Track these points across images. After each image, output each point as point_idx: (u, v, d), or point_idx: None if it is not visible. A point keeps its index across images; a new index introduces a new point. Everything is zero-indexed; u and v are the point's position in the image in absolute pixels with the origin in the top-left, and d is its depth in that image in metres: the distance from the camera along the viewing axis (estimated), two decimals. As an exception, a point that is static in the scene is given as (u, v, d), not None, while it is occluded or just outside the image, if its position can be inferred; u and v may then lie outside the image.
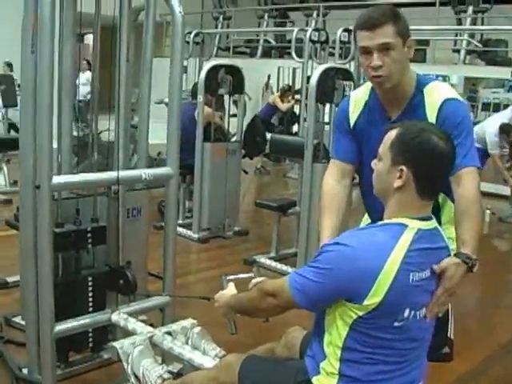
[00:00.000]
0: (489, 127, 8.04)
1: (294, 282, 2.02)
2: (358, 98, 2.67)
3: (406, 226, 1.99)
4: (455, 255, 2.14)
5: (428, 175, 2.01)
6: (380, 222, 2.07)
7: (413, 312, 1.99)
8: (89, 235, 3.23)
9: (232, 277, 2.58)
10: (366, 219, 2.81)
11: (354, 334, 1.97)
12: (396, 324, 1.96)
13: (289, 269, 5.61)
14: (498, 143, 7.89)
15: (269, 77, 13.82)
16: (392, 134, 2.06)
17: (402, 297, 1.94)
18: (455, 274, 2.08)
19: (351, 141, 2.69)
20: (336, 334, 2.01)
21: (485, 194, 8.18)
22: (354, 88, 5.40)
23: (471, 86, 14.28)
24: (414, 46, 2.45)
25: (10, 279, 4.71)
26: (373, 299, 1.91)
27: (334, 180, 2.70)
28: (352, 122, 2.66)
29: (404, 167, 1.99)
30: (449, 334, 2.66)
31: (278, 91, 12.06)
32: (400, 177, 2.01)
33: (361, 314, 1.93)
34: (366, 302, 1.91)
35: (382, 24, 2.33)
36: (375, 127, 2.52)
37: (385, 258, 1.91)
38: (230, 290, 2.45)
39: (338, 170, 2.72)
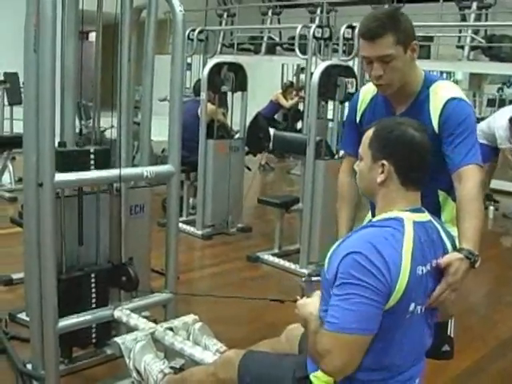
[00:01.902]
0: (497, 122, 7.92)
1: (337, 326, 1.88)
2: (366, 92, 2.71)
3: (401, 219, 2.00)
4: (457, 251, 2.15)
5: (409, 166, 2.05)
6: (374, 220, 2.08)
7: (417, 307, 2.00)
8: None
9: (316, 279, 2.21)
10: (369, 217, 2.84)
11: None
12: (402, 321, 1.97)
13: (291, 265, 5.63)
14: (507, 137, 7.79)
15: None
16: (369, 133, 2.12)
17: (411, 291, 1.93)
18: (458, 269, 2.09)
19: (358, 135, 2.71)
20: None
21: (490, 190, 8.16)
22: (357, 85, 5.43)
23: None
24: (418, 46, 2.45)
25: (14, 276, 4.74)
26: (397, 295, 1.89)
27: (345, 175, 2.82)
28: (358, 116, 2.72)
29: (385, 161, 2.03)
30: (449, 332, 2.67)
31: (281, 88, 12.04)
32: (382, 172, 2.05)
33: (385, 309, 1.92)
34: (392, 299, 1.89)
35: (381, 35, 2.33)
36: None
37: (400, 251, 1.92)
38: (314, 301, 2.11)
39: (347, 164, 2.80)
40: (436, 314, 2.17)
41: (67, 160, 3.06)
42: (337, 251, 1.98)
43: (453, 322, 2.66)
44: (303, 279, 2.28)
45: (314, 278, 2.24)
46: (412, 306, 1.97)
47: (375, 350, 1.95)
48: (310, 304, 2.11)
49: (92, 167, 3.15)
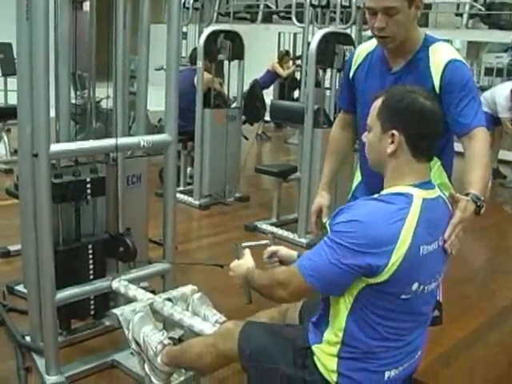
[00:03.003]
0: (499, 91, 8.18)
1: (304, 268, 1.99)
2: (362, 49, 2.75)
3: (411, 195, 1.97)
4: (465, 195, 2.17)
5: (419, 136, 2.00)
6: (383, 193, 2.03)
7: (421, 286, 1.99)
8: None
9: (247, 243, 2.50)
10: (358, 176, 2.90)
11: (361, 304, 1.97)
12: (403, 297, 1.96)
13: (290, 234, 5.63)
14: (508, 107, 7.94)
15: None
16: (378, 102, 2.06)
17: (412, 270, 1.93)
18: (467, 206, 2.10)
19: (351, 92, 2.81)
20: (342, 303, 2.01)
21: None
22: (355, 53, 5.38)
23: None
24: (423, 4, 2.48)
25: (11, 248, 4.74)
26: (388, 272, 1.89)
27: (337, 128, 2.97)
28: (352, 73, 2.75)
29: (395, 131, 1.98)
30: (438, 297, 2.68)
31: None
32: (392, 142, 1.99)
33: (370, 282, 1.92)
34: (383, 274, 1.89)
35: None
36: (373, 79, 2.63)
37: (399, 228, 1.90)
38: (247, 259, 2.37)
39: (341, 119, 2.96)
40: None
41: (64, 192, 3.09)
42: (340, 213, 1.99)
43: (441, 288, 2.66)
44: (233, 245, 2.48)
45: (243, 244, 2.48)
46: (415, 285, 1.97)
47: (376, 323, 1.97)
48: (243, 263, 2.34)
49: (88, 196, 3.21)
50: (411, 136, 1.98)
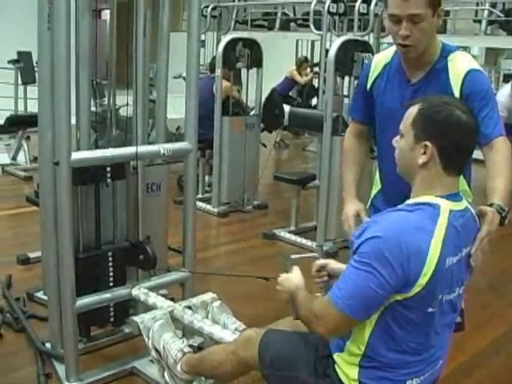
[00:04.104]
0: (502, 90, 8.02)
1: (337, 298, 1.92)
2: (379, 59, 2.72)
3: (438, 206, 1.94)
4: (489, 205, 2.16)
5: (453, 150, 1.96)
6: (409, 202, 2.00)
7: (445, 297, 1.97)
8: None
9: (296, 256, 2.41)
10: (377, 184, 2.86)
11: (386, 318, 1.95)
12: (429, 310, 1.94)
13: (308, 242, 5.61)
14: (505, 104, 7.79)
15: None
16: (414, 110, 2.01)
17: (439, 282, 1.91)
18: (494, 219, 2.09)
19: (367, 103, 2.77)
20: None
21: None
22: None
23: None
24: (443, 13, 2.46)
25: (31, 255, 4.76)
26: (419, 286, 1.87)
27: (352, 138, 2.89)
28: (370, 83, 2.72)
29: (428, 143, 1.94)
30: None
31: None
32: (424, 153, 1.95)
33: (399, 299, 1.90)
34: (413, 289, 1.87)
35: None
36: (392, 90, 2.60)
37: (429, 239, 1.87)
38: (296, 275, 2.25)
39: (354, 129, 2.91)
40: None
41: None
42: (366, 231, 1.94)
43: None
44: (282, 258, 2.38)
45: (292, 256, 2.38)
46: (439, 297, 1.95)
47: (399, 336, 1.96)
48: (292, 277, 2.22)
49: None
50: (445, 149, 1.94)
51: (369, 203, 2.91)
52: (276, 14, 15.28)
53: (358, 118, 2.88)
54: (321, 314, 1.98)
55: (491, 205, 2.16)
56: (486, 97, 2.42)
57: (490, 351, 3.90)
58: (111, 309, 3.39)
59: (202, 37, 10.94)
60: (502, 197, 2.22)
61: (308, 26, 10.20)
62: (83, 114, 3.22)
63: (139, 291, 3.18)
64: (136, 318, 2.84)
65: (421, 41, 2.40)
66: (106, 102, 4.33)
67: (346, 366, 2.06)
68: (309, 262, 2.45)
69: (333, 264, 2.42)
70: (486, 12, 12.00)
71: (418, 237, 1.87)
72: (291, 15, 15.19)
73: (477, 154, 2.46)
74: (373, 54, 5.42)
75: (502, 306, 4.67)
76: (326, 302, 1.96)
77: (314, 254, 2.52)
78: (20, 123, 8.14)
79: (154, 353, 2.76)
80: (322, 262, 2.43)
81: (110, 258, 3.29)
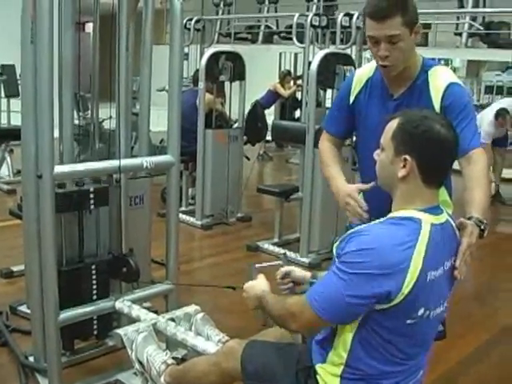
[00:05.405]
0: (485, 114, 8.18)
1: (315, 301, 1.96)
2: (361, 74, 2.74)
3: (420, 221, 1.95)
4: (468, 219, 2.17)
5: (433, 163, 1.98)
6: (391, 216, 2.02)
7: (427, 312, 1.98)
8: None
9: (260, 265, 2.47)
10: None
11: (367, 326, 1.97)
12: (408, 322, 1.95)
13: (292, 254, 5.62)
14: (489, 133, 7.89)
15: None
16: (393, 124, 2.03)
17: (419, 296, 1.92)
18: (473, 231, 2.11)
19: (345, 115, 2.78)
20: (348, 325, 2.00)
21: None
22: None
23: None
24: (421, 30, 2.50)
25: (15, 268, 4.74)
26: (398, 298, 1.89)
27: (327, 143, 2.88)
28: (352, 98, 2.73)
29: (408, 156, 1.96)
30: None
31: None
32: (404, 166, 1.97)
33: (378, 308, 1.92)
34: (394, 300, 1.89)
35: (390, 15, 2.36)
36: (375, 104, 2.63)
37: (410, 254, 1.89)
38: (261, 281, 2.31)
39: (329, 139, 2.88)
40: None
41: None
42: (350, 241, 1.96)
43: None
44: (250, 267, 2.43)
45: (257, 265, 2.45)
46: (421, 310, 1.96)
47: (380, 345, 1.97)
48: (257, 284, 2.28)
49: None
50: (424, 163, 1.96)
51: None
52: (259, 27, 15.37)
53: (333, 132, 2.87)
54: (296, 312, 2.02)
55: (470, 218, 2.18)
56: (465, 109, 2.45)
57: (474, 359, 3.93)
58: (95, 322, 3.37)
59: (186, 50, 10.99)
60: (480, 209, 2.25)
61: (291, 39, 10.27)
62: (66, 127, 3.22)
63: (122, 304, 3.18)
64: (119, 331, 2.84)
65: (400, 60, 2.44)
66: (89, 115, 4.35)
67: (328, 377, 2.07)
68: (273, 270, 2.49)
69: (297, 272, 2.46)
70: (466, 25, 12.14)
71: (399, 252, 1.88)
72: (274, 28, 15.27)
73: (458, 164, 2.50)
74: (355, 67, 5.47)
75: (485, 314, 4.71)
76: (303, 301, 2.00)
77: (279, 262, 2.55)
78: (3, 136, 8.09)
79: (137, 365, 2.76)
80: (286, 269, 2.47)
81: (94, 271, 3.28)
